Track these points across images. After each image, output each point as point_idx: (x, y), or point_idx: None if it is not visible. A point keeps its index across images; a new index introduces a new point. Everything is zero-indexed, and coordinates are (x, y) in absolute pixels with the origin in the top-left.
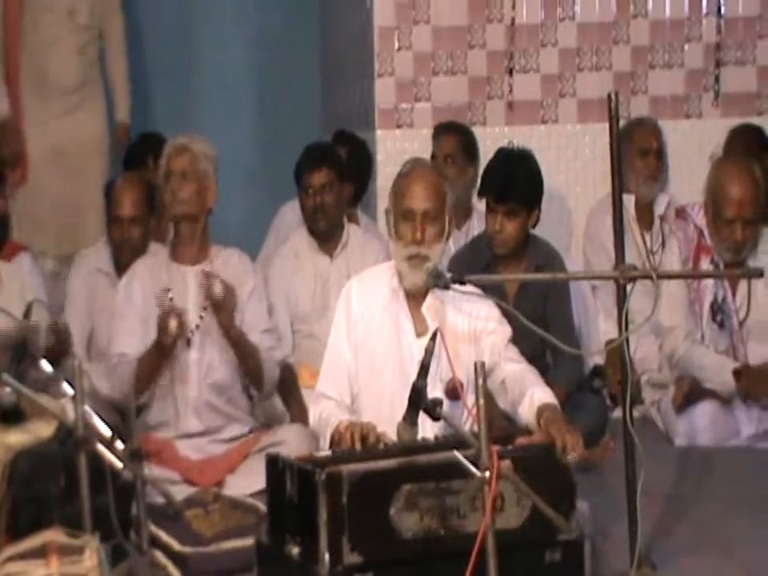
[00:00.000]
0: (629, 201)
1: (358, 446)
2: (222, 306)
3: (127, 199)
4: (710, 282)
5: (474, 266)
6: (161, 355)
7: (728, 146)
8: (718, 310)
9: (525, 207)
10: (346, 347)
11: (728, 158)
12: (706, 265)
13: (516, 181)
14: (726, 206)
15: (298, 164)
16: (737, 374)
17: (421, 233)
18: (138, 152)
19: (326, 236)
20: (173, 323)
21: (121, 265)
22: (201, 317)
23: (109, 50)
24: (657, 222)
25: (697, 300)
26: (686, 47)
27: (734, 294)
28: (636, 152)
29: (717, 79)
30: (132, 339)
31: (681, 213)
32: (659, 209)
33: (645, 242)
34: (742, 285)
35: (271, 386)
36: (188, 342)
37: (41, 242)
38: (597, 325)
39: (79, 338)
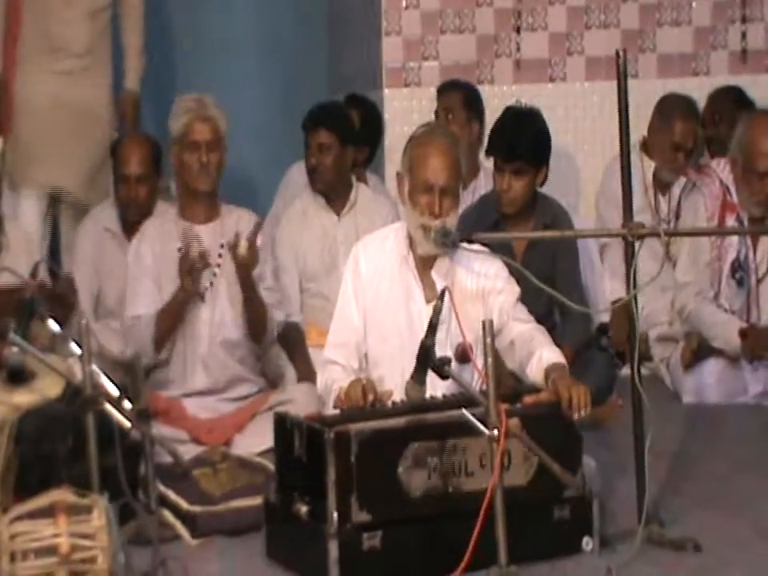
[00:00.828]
0: (649, 167)
1: (359, 402)
2: (245, 264)
3: (134, 157)
4: (734, 238)
5: (481, 224)
6: (183, 303)
7: (707, 109)
8: (738, 268)
9: (532, 166)
10: (354, 312)
11: (758, 113)
12: (731, 222)
13: (524, 139)
14: (758, 159)
15: (304, 124)
16: (742, 334)
17: (439, 206)
18: None
19: (333, 195)
20: (191, 278)
21: (128, 224)
22: (214, 273)
23: (126, 18)
24: (678, 191)
25: (719, 257)
26: (694, 4)
27: (754, 252)
28: (668, 139)
29: (744, 35)
30: (146, 300)
31: (705, 169)
32: (677, 190)
33: (659, 208)
34: (763, 242)
35: (269, 343)
36: (202, 298)
37: (38, 177)
38: (602, 283)
39: (86, 298)
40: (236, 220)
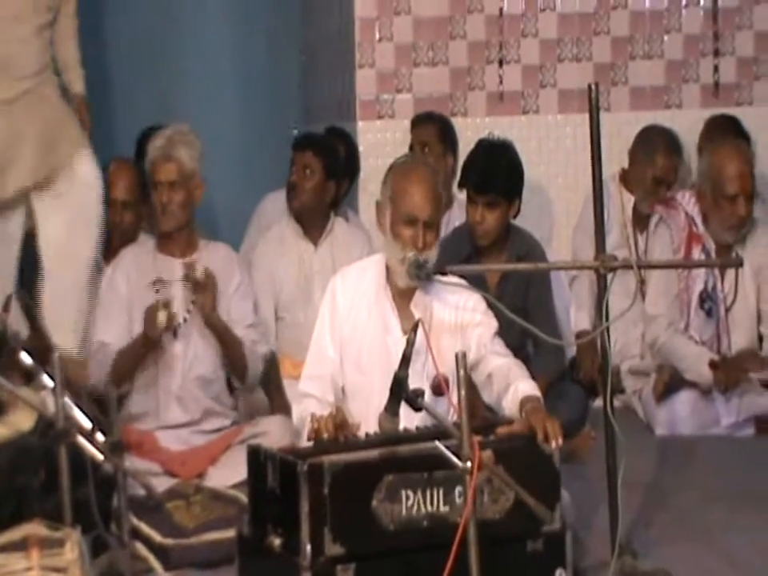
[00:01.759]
0: (628, 201)
1: (330, 435)
2: (202, 288)
3: (120, 183)
4: (701, 270)
5: (455, 256)
6: (147, 347)
7: (705, 137)
8: (706, 298)
9: (505, 198)
10: (330, 344)
11: (720, 142)
12: (697, 253)
13: (496, 172)
14: (727, 183)
15: (294, 141)
16: (713, 365)
17: (423, 240)
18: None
19: (309, 222)
20: (161, 316)
21: (109, 251)
22: (188, 310)
23: (61, 29)
24: (652, 226)
25: (686, 288)
26: (666, 38)
27: (722, 282)
28: (650, 172)
29: (716, 69)
30: (113, 328)
31: (671, 201)
32: (653, 226)
33: (637, 245)
34: (730, 273)
35: (254, 380)
36: (174, 334)
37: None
38: (569, 316)
39: None
40: (213, 254)
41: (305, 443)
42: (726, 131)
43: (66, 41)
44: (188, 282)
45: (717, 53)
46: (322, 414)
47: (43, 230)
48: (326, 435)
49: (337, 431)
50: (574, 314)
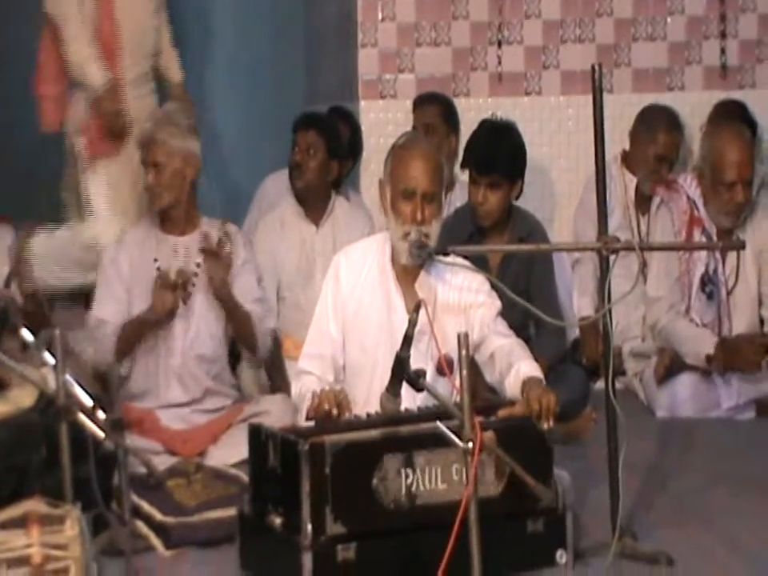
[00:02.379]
0: (630, 182)
1: (334, 411)
2: (217, 258)
3: None
4: (702, 252)
5: (456, 237)
6: (151, 323)
7: (712, 121)
8: (708, 281)
9: (508, 179)
10: (332, 324)
11: (720, 125)
12: (698, 236)
13: (499, 153)
14: (726, 169)
15: (294, 122)
16: (709, 358)
17: (421, 213)
18: None
19: (311, 201)
20: (168, 297)
21: None
22: (193, 284)
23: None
24: (654, 208)
25: (687, 271)
26: (669, 20)
27: (723, 265)
28: (652, 150)
29: (723, 51)
30: (114, 307)
31: (672, 184)
32: (654, 208)
33: (639, 226)
34: (731, 256)
35: (264, 353)
36: (173, 313)
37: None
38: (572, 299)
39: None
40: (216, 231)
41: (303, 420)
42: (731, 116)
43: (163, 33)
44: (203, 252)
45: (722, 35)
46: (323, 389)
47: None
48: (326, 406)
49: (338, 408)
50: (577, 299)
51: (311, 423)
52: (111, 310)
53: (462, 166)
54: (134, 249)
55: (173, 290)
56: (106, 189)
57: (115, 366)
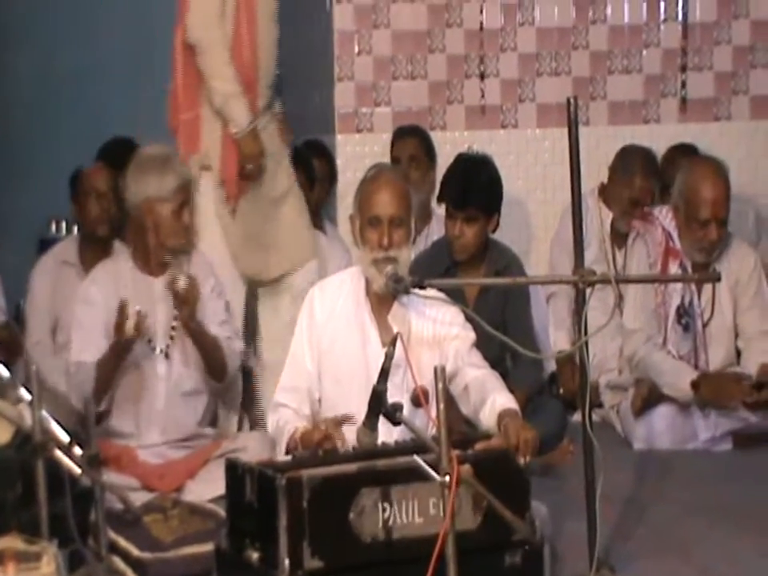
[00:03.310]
0: (607, 216)
1: (328, 442)
2: (185, 299)
3: (102, 176)
4: (678, 285)
5: (433, 270)
6: (118, 355)
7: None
8: (684, 313)
9: (483, 213)
10: (308, 357)
11: (699, 160)
12: (674, 268)
13: (475, 187)
14: (700, 207)
15: None
16: (695, 384)
17: (388, 237)
18: (115, 155)
19: None
20: (129, 322)
21: (87, 258)
22: (173, 327)
23: None
24: (630, 240)
25: (663, 303)
26: (645, 52)
27: (699, 297)
28: (627, 193)
29: (684, 84)
30: (91, 348)
31: (648, 216)
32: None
33: (615, 259)
34: (707, 288)
35: (232, 376)
36: (166, 355)
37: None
38: (547, 332)
39: (45, 332)
40: (188, 266)
41: (283, 452)
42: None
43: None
44: (171, 294)
45: (682, 69)
46: (305, 431)
47: None
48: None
49: (323, 439)
50: (553, 333)
51: (288, 457)
52: (91, 350)
53: (439, 200)
54: (108, 285)
55: (130, 342)
56: (244, 228)
57: (90, 401)
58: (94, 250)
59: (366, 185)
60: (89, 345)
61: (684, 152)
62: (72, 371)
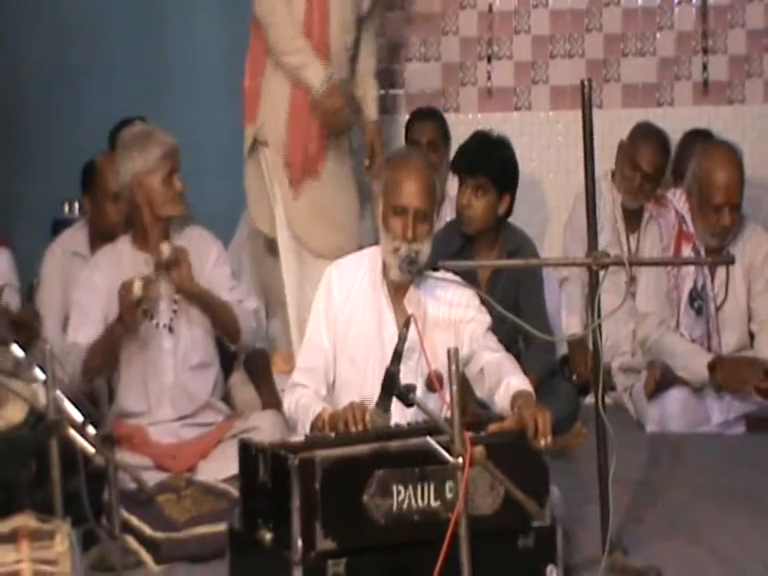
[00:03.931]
0: (619, 200)
1: (359, 426)
2: (173, 265)
3: (117, 174)
4: (690, 268)
5: (447, 249)
6: (118, 337)
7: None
8: (696, 297)
9: (494, 185)
10: (324, 337)
11: (712, 144)
12: (687, 251)
13: (488, 156)
14: (713, 192)
15: None
16: (711, 366)
17: (413, 231)
18: None
19: None
20: (137, 284)
21: (98, 246)
22: (175, 301)
23: (366, 40)
24: (643, 223)
25: (676, 286)
26: (658, 35)
27: (712, 281)
28: (629, 161)
29: (705, 67)
30: (90, 330)
31: (661, 199)
32: (646, 216)
33: (628, 242)
34: (720, 271)
35: (249, 336)
36: (170, 329)
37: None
38: (560, 316)
39: (56, 322)
40: (187, 237)
41: (303, 429)
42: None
43: (368, 52)
44: (159, 268)
45: (706, 51)
46: (353, 403)
47: None
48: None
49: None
50: (565, 318)
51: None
52: (87, 333)
53: (453, 167)
54: (108, 267)
55: (136, 304)
56: (318, 208)
57: (101, 381)
58: (105, 242)
59: (393, 169)
60: (86, 326)
61: (699, 137)
62: (66, 351)
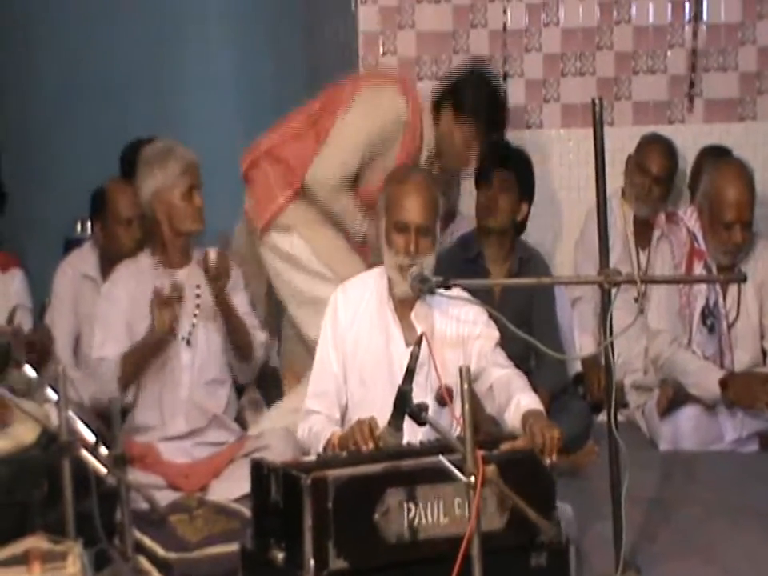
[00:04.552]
0: (630, 216)
1: (369, 443)
2: (218, 273)
3: (123, 200)
4: (702, 286)
5: (460, 258)
6: (154, 345)
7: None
8: (708, 314)
9: (519, 186)
10: (333, 359)
11: (724, 162)
12: (698, 269)
13: (516, 156)
14: (724, 209)
15: None
16: (723, 382)
17: (415, 246)
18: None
19: None
20: (169, 288)
21: (108, 270)
22: (194, 315)
23: None
24: (654, 241)
25: (688, 304)
26: (669, 53)
27: (724, 298)
28: (637, 167)
29: (692, 85)
30: (115, 345)
31: (672, 217)
32: (657, 234)
33: (639, 260)
34: (732, 289)
35: (257, 362)
36: (188, 342)
37: None
38: (573, 334)
39: (66, 344)
40: (212, 253)
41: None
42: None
43: None
44: (203, 269)
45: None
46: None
47: None
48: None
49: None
50: (579, 337)
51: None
52: (112, 347)
53: (476, 174)
54: (130, 282)
55: (170, 305)
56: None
57: (117, 400)
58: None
59: (394, 185)
60: (111, 341)
61: (716, 153)
62: (94, 366)
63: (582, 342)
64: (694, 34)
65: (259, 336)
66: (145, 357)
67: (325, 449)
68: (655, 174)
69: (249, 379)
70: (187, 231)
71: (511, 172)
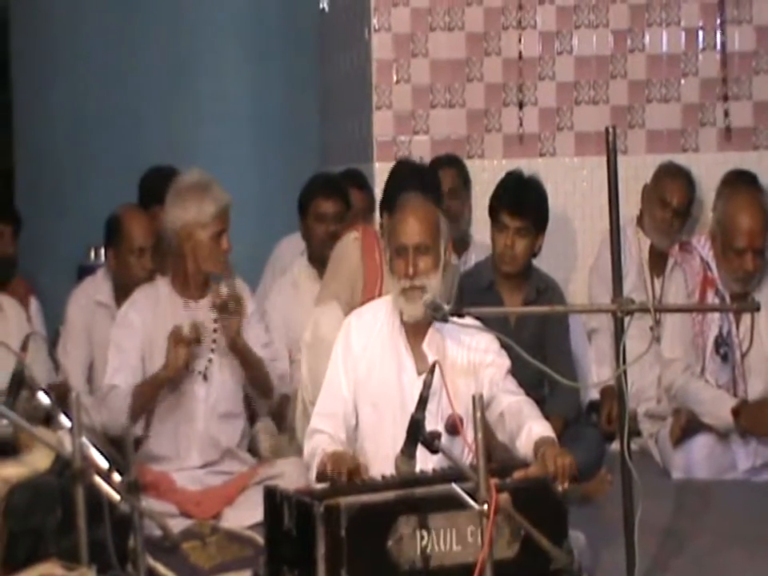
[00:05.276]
0: (645, 244)
1: (343, 479)
2: (228, 309)
3: (138, 230)
4: (715, 314)
5: (475, 286)
6: (166, 384)
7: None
8: (722, 343)
9: (534, 227)
10: (344, 384)
11: (736, 189)
12: (711, 297)
13: (528, 199)
14: (736, 236)
15: (307, 192)
16: (735, 411)
17: (413, 266)
18: (155, 186)
19: (325, 266)
20: (187, 328)
21: (121, 298)
22: (212, 349)
23: None
24: (668, 270)
25: (701, 333)
26: (683, 81)
27: (737, 327)
28: (657, 200)
29: (726, 113)
30: (127, 373)
31: (686, 245)
32: (671, 263)
33: (653, 288)
34: (745, 317)
35: (276, 397)
36: (204, 377)
37: None
38: (588, 362)
39: (78, 371)
40: (224, 287)
41: (314, 478)
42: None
43: None
44: (217, 309)
45: (726, 97)
46: (335, 452)
47: None
48: (336, 472)
49: (349, 476)
50: (596, 369)
51: (321, 483)
52: (125, 376)
53: (491, 211)
54: (146, 311)
55: (187, 345)
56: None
57: (129, 427)
58: (130, 294)
59: (394, 215)
60: (124, 368)
61: (741, 179)
62: (105, 393)
63: (599, 375)
64: (723, 64)
65: (279, 368)
66: (155, 391)
67: (318, 467)
68: (676, 207)
69: (267, 413)
70: (208, 271)
71: (528, 218)
